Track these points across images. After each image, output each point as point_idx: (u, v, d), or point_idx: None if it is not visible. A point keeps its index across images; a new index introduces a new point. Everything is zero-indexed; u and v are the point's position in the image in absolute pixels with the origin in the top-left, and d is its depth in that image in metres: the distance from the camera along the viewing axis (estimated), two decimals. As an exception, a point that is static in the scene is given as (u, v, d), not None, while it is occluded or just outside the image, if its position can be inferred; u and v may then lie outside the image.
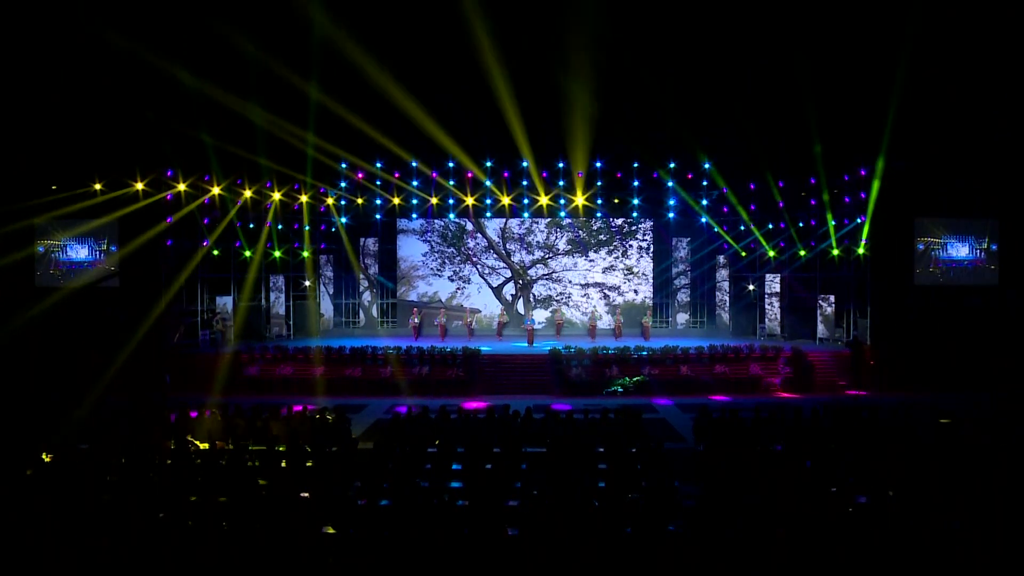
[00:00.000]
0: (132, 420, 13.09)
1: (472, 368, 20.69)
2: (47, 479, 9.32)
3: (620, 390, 19.70)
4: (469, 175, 26.25)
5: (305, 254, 26.61)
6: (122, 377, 19.73)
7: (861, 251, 22.69)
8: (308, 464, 10.28)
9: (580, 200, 26.29)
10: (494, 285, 27.73)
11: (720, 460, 10.28)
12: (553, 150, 25.49)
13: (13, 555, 7.02)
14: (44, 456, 10.35)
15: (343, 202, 27.15)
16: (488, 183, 26.30)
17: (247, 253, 25.04)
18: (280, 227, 25.90)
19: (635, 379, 19.96)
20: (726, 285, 27.02)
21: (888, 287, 22.16)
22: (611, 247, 27.61)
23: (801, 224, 24.95)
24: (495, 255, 27.78)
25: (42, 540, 7.20)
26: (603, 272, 27.58)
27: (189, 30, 18.44)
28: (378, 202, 27.04)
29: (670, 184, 26.47)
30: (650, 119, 24.27)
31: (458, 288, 27.78)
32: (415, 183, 26.56)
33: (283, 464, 10.25)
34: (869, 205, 21.70)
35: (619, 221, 27.50)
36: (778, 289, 25.54)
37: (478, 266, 27.75)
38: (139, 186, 22.13)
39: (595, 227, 27.69)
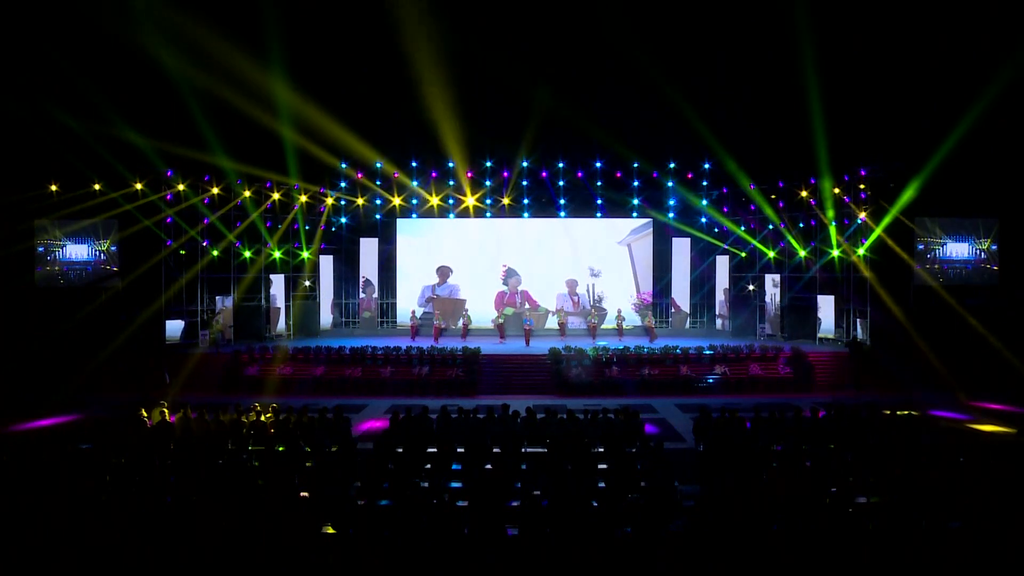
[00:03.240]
0: (132, 419, 13.06)
1: (472, 368, 20.66)
2: (48, 479, 9.30)
3: (717, 377, 20.23)
4: (469, 174, 26.30)
5: (304, 254, 26.60)
6: (122, 376, 19.77)
7: (861, 252, 22.66)
8: (308, 464, 10.27)
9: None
10: (492, 285, 27.65)
11: (720, 460, 10.26)
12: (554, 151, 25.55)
13: (13, 555, 7.02)
14: (44, 456, 10.33)
15: (343, 202, 27.15)
16: (488, 183, 26.32)
17: (247, 253, 25.05)
18: (280, 227, 25.94)
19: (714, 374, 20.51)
20: (726, 285, 26.99)
21: (888, 287, 22.13)
22: (614, 249, 27.59)
23: (801, 224, 24.95)
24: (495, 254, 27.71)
25: (42, 540, 7.20)
26: (604, 274, 27.53)
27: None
28: (378, 202, 27.03)
29: (670, 184, 26.51)
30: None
31: (454, 287, 27.69)
32: (415, 183, 26.58)
33: (283, 464, 10.24)
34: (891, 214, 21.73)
35: (628, 222, 27.51)
36: (778, 289, 25.51)
37: (475, 265, 27.67)
38: (138, 186, 22.13)
39: (598, 228, 27.66)
